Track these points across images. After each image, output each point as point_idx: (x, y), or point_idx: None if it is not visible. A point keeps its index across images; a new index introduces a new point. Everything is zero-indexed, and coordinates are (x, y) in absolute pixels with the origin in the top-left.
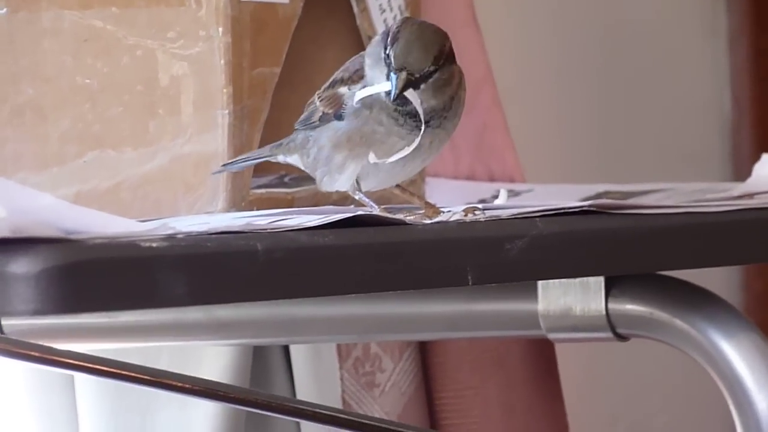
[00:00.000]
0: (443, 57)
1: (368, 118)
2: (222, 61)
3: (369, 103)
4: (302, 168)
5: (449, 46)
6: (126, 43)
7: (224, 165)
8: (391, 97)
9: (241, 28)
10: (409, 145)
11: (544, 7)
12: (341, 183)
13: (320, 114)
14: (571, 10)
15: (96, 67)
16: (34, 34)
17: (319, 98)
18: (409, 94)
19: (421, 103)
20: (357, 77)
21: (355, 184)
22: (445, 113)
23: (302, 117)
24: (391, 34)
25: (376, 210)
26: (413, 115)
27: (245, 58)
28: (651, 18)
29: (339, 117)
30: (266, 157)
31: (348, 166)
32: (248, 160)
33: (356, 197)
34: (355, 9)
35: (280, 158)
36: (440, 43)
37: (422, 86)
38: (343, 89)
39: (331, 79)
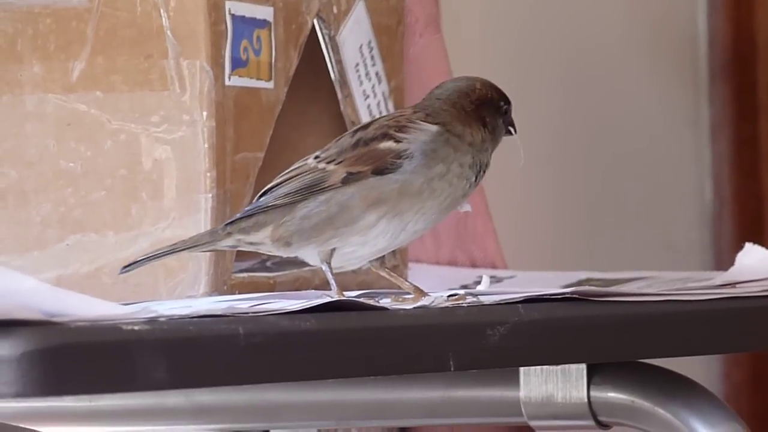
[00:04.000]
0: None
1: (451, 157)
2: (205, 146)
3: (455, 143)
4: (264, 245)
5: None
6: (109, 127)
7: (138, 260)
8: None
9: (224, 113)
10: (465, 195)
11: (524, 98)
12: (352, 251)
13: (343, 176)
14: (553, 100)
15: (79, 151)
16: (17, 118)
17: (329, 162)
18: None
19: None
20: (403, 128)
21: (328, 254)
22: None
23: (291, 188)
24: (497, 92)
25: (335, 293)
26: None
27: (228, 143)
28: (634, 108)
29: (382, 172)
30: (203, 245)
31: (378, 225)
32: (176, 251)
33: (323, 268)
34: (339, 95)
35: (226, 242)
36: None
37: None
38: (387, 143)
39: (345, 144)
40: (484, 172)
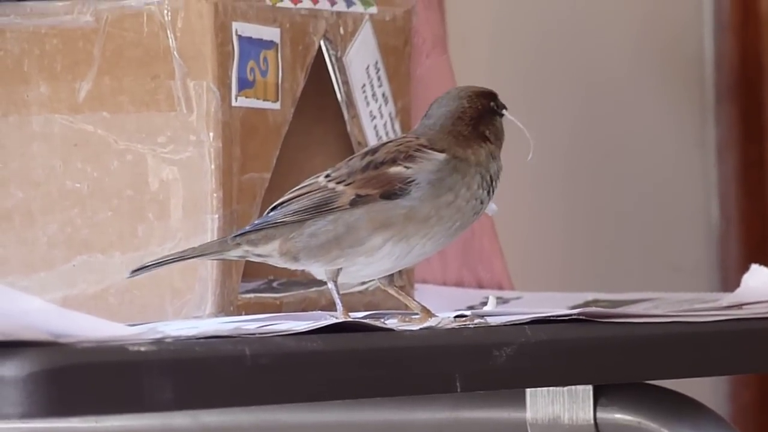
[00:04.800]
0: None
1: (459, 184)
2: (212, 166)
3: (462, 168)
4: (272, 258)
5: None
6: (116, 148)
7: (146, 265)
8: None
9: (231, 133)
10: (476, 214)
11: (532, 119)
12: (358, 270)
13: (351, 197)
14: (561, 120)
15: (85, 172)
16: (23, 138)
17: (339, 183)
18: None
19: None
20: (410, 157)
21: (335, 272)
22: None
23: (300, 206)
24: (485, 96)
25: (340, 313)
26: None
27: (235, 163)
28: (641, 129)
29: (390, 196)
30: (212, 254)
31: (384, 248)
32: (185, 258)
33: (329, 286)
34: (346, 116)
35: (234, 252)
36: None
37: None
38: (397, 169)
39: (356, 165)
40: (497, 180)
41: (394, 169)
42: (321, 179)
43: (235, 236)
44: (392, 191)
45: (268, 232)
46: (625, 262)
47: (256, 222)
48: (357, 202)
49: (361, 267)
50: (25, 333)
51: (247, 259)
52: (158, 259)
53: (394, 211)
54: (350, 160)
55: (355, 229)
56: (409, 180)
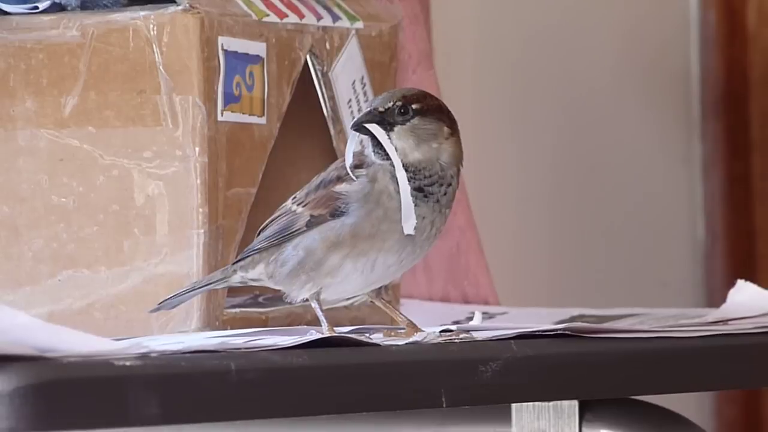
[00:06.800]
0: (416, 103)
1: (379, 193)
2: (198, 181)
3: (372, 174)
4: (263, 281)
5: (432, 100)
6: (102, 163)
7: (162, 302)
8: (350, 125)
9: (217, 148)
10: (431, 222)
11: (517, 134)
12: (335, 288)
13: (307, 219)
14: (546, 136)
15: (71, 187)
16: (9, 153)
17: (299, 204)
18: (373, 128)
19: (396, 149)
20: (350, 174)
21: (317, 291)
22: (441, 184)
23: (271, 231)
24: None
25: (325, 329)
26: (423, 186)
27: (221, 178)
28: (627, 145)
29: (336, 215)
30: (217, 283)
31: (345, 266)
32: (195, 290)
33: (312, 305)
34: (332, 131)
35: (235, 279)
36: (412, 91)
37: (396, 128)
38: (340, 186)
39: (313, 185)
40: (437, 186)
41: (339, 187)
42: (288, 202)
43: (233, 264)
44: (337, 209)
45: (254, 257)
46: (611, 278)
47: (245, 250)
48: (312, 223)
49: (334, 287)
50: (10, 348)
51: (247, 284)
52: (175, 294)
53: (341, 229)
54: (313, 179)
55: (312, 251)
56: (346, 197)
